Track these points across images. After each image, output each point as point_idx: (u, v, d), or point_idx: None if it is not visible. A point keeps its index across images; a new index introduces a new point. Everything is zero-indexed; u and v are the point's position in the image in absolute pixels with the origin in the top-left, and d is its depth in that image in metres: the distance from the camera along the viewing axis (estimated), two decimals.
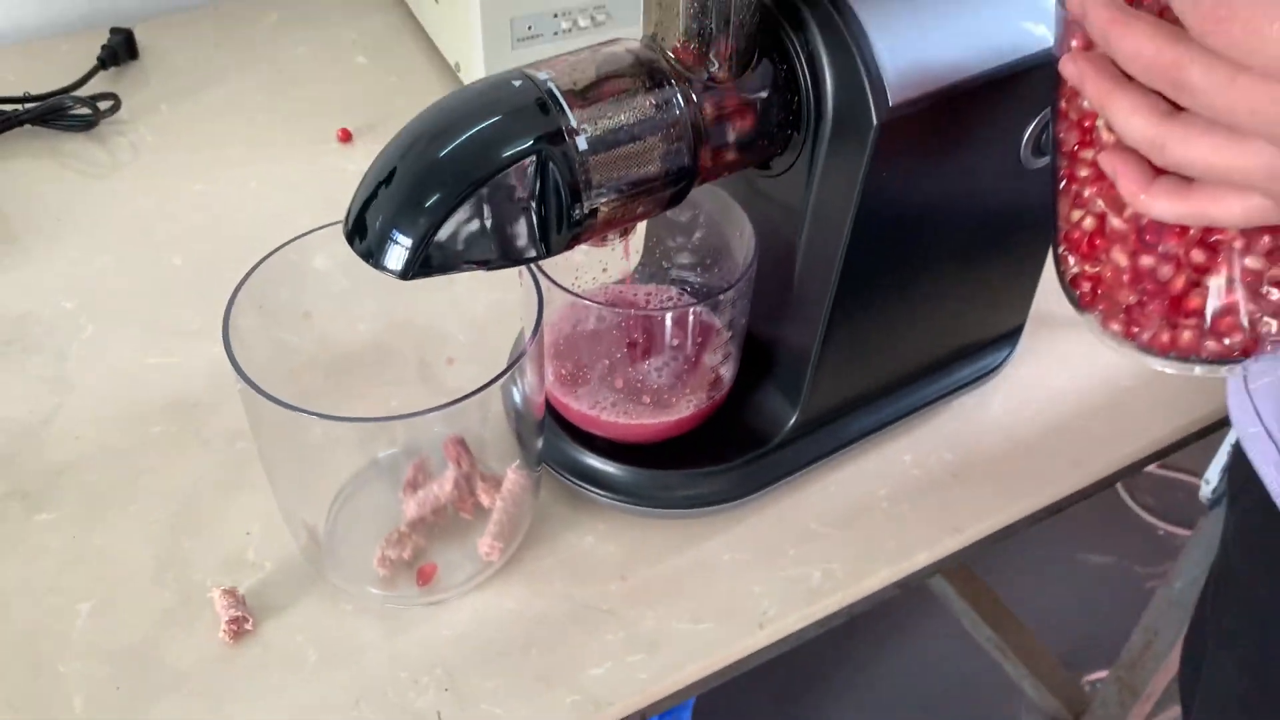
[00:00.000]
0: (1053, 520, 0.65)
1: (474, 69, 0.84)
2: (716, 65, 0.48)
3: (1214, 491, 0.76)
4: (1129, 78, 0.37)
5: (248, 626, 0.55)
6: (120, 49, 0.92)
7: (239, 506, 0.60)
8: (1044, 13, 0.51)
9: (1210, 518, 0.98)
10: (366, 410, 0.65)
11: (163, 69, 0.93)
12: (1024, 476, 0.63)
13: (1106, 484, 0.66)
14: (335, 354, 0.62)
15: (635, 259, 0.66)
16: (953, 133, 0.52)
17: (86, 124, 0.86)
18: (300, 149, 0.85)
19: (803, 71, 0.50)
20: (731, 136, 0.50)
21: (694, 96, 0.48)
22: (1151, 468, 1.69)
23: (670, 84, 0.48)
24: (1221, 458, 0.71)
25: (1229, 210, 0.37)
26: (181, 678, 0.53)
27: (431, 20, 0.93)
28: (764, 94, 0.50)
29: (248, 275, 0.53)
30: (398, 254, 0.45)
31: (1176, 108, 0.36)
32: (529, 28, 0.82)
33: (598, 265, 0.63)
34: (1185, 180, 0.37)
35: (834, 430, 0.61)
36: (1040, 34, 0.51)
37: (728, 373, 0.59)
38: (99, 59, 0.90)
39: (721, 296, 0.55)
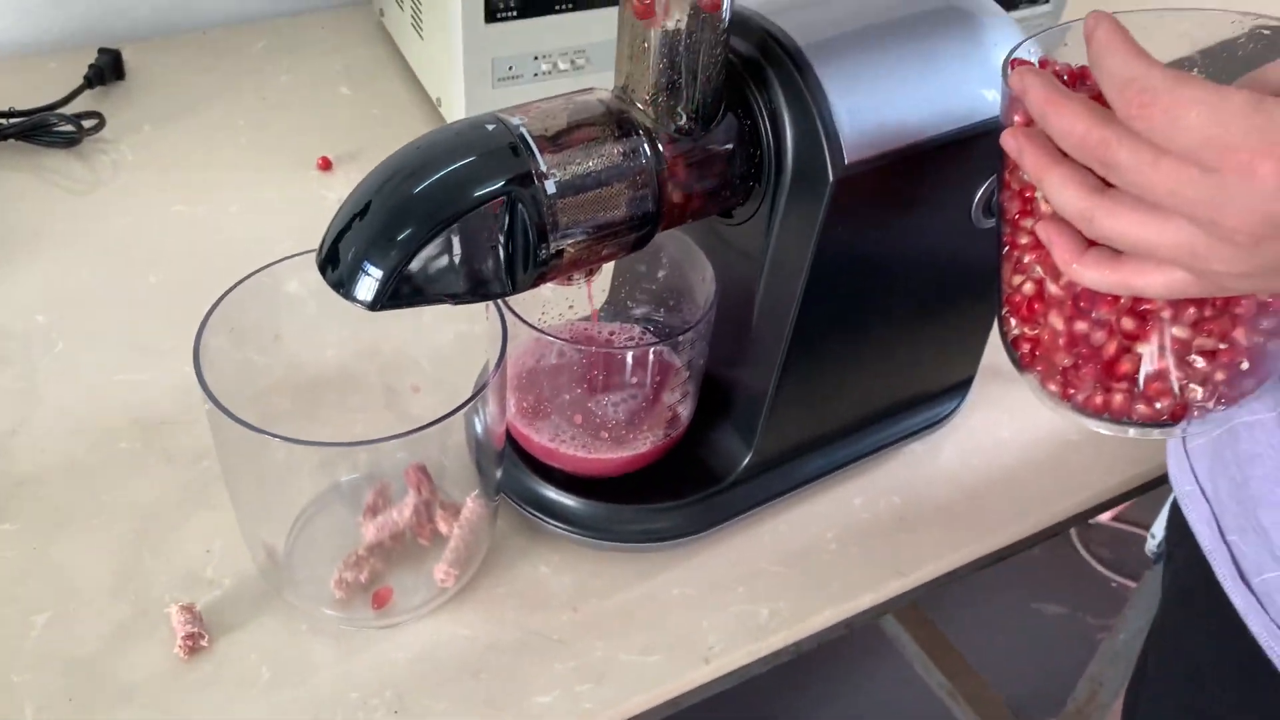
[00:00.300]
0: (1008, 569, 0.67)
1: (455, 105, 0.86)
2: (683, 118, 0.50)
3: (1158, 545, 0.78)
4: (1065, 154, 0.40)
5: (203, 643, 0.56)
6: (107, 69, 0.93)
7: (200, 524, 0.61)
8: (998, 81, 0.54)
9: (1155, 571, 1.00)
10: (331, 435, 0.66)
11: (148, 90, 0.95)
12: (969, 524, 0.65)
13: (1050, 534, 0.68)
14: (303, 377, 0.63)
15: (601, 298, 0.68)
16: (906, 191, 0.54)
17: (70, 141, 0.87)
18: (281, 175, 0.87)
19: (765, 127, 0.52)
20: (695, 186, 0.52)
21: (660, 147, 0.50)
22: (1106, 519, 1.73)
23: (638, 134, 0.50)
24: (1166, 513, 0.73)
25: (1152, 282, 0.39)
26: (134, 691, 0.54)
27: (416, 55, 0.95)
28: (727, 147, 0.52)
29: (221, 298, 0.55)
30: (368, 285, 0.46)
31: (1107, 184, 0.39)
32: (510, 68, 0.84)
33: (564, 301, 0.65)
34: (1114, 252, 0.40)
35: (787, 471, 0.63)
36: (993, 100, 0.54)
37: (685, 411, 0.61)
38: (85, 77, 0.92)
39: (680, 337, 0.57)
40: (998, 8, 0.56)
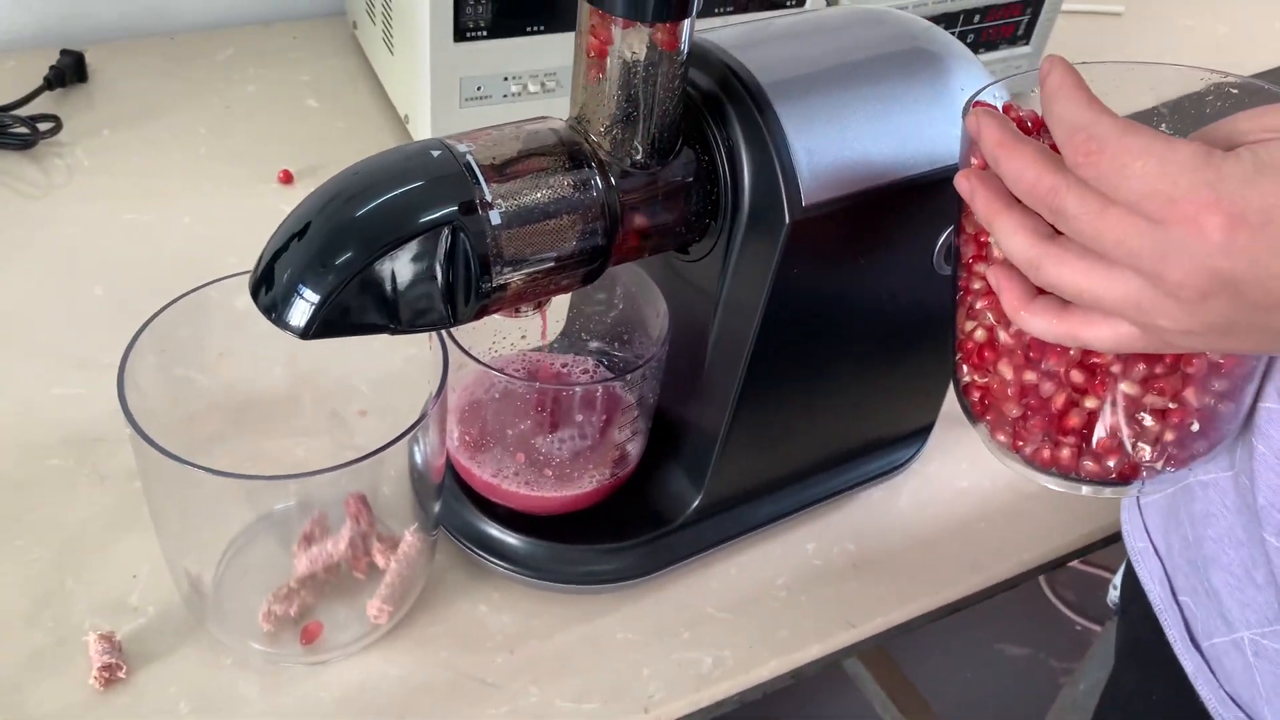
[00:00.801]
0: (973, 609, 0.65)
1: (421, 123, 0.85)
2: (638, 151, 0.49)
3: (1118, 597, 0.77)
4: (1017, 199, 0.38)
5: (120, 674, 0.53)
6: (69, 70, 0.91)
7: (128, 548, 0.59)
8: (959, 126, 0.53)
9: (1115, 622, 0.99)
10: (272, 459, 0.64)
11: (110, 94, 0.93)
12: (922, 575, 0.63)
13: (1006, 587, 0.66)
14: (246, 398, 0.61)
15: (557, 329, 0.66)
16: (866, 235, 0.53)
17: (24, 143, 0.85)
18: (239, 187, 0.85)
19: (723, 164, 0.51)
20: (649, 221, 0.50)
21: (613, 180, 0.49)
22: (1073, 562, 1.72)
23: (590, 166, 0.48)
24: (1125, 564, 0.72)
25: (1099, 334, 0.38)
26: None
27: (386, 70, 0.93)
28: (684, 182, 0.51)
29: (155, 315, 0.53)
30: (301, 309, 0.45)
31: (1058, 232, 0.37)
32: (478, 88, 0.83)
33: (517, 331, 0.63)
34: (1062, 302, 0.39)
35: (737, 515, 0.61)
36: (956, 146, 0.52)
37: (635, 449, 0.59)
38: (45, 79, 0.90)
39: (629, 376, 0.55)
40: (967, 51, 0.55)
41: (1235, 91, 0.43)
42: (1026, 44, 1.03)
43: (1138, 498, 0.59)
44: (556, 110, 0.86)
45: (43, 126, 0.86)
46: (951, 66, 0.54)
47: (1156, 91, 0.46)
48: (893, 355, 0.61)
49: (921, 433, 0.68)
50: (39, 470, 0.63)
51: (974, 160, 0.42)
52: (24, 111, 0.87)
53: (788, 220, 0.49)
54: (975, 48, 1.00)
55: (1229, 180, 0.33)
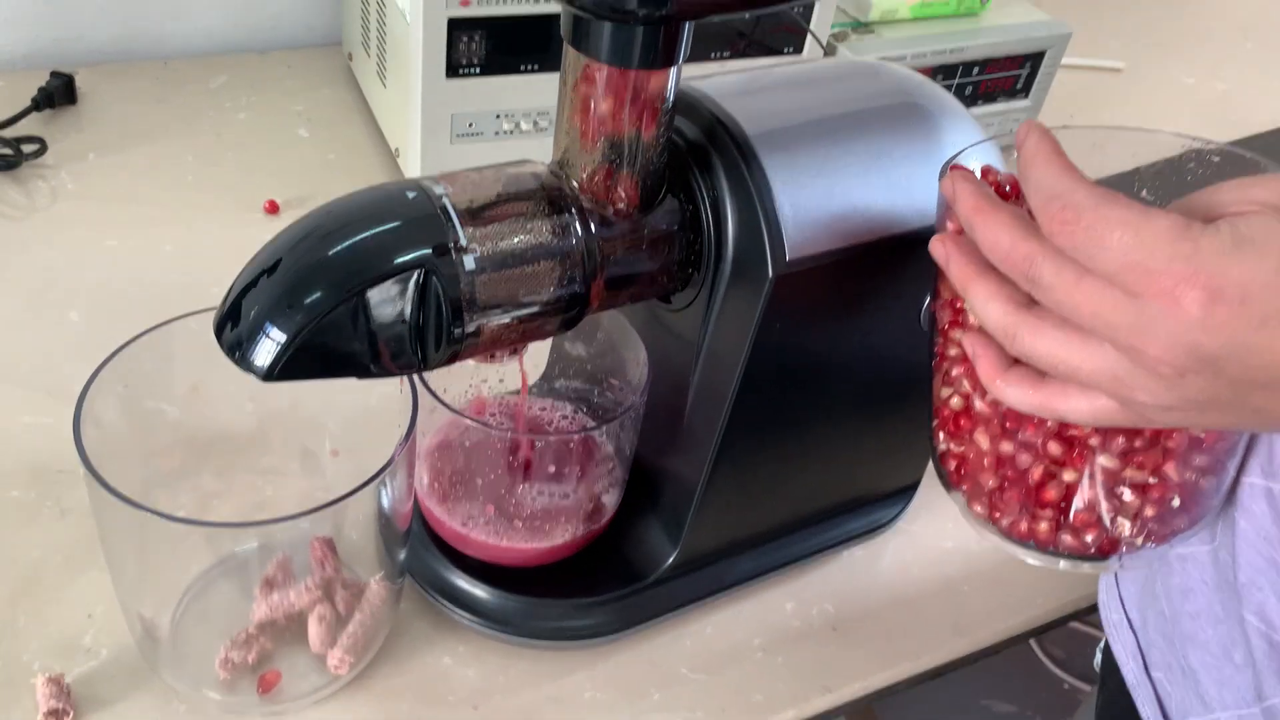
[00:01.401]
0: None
1: (412, 157, 0.84)
2: (621, 199, 0.48)
3: (1100, 665, 0.75)
4: (993, 266, 0.37)
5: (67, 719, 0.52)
6: (58, 93, 0.90)
7: (85, 585, 0.57)
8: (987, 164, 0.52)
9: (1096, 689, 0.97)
10: (239, 498, 0.63)
11: (99, 118, 0.92)
12: (903, 638, 0.62)
13: (988, 653, 0.65)
14: (216, 433, 0.60)
15: (536, 373, 0.65)
16: (851, 291, 0.52)
17: (7, 164, 0.84)
18: (224, 216, 0.84)
19: (706, 214, 0.50)
20: (630, 270, 0.49)
21: (594, 227, 0.47)
22: None
23: (570, 212, 0.47)
24: None
25: (1076, 407, 0.37)
26: None
27: (378, 103, 0.93)
28: (666, 232, 0.49)
29: (119, 349, 0.51)
30: (267, 349, 0.43)
31: (1034, 301, 0.36)
32: (470, 125, 0.82)
33: (496, 374, 0.62)
34: (1039, 372, 0.37)
35: (714, 572, 0.60)
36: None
37: (611, 501, 0.58)
38: (33, 100, 0.89)
39: (605, 427, 0.54)
40: (960, 106, 0.54)
41: (1216, 159, 0.42)
42: (1026, 98, 1.03)
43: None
44: (548, 148, 0.85)
45: (27, 148, 0.85)
46: (943, 122, 0.53)
47: (1136, 157, 0.46)
48: (877, 412, 0.59)
49: (906, 491, 0.66)
50: (0, 501, 0.61)
51: (950, 224, 0.41)
52: (10, 133, 0.86)
53: (771, 274, 0.48)
54: (974, 100, 0.99)
55: (1207, 254, 0.32)
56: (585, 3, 0.40)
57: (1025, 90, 1.02)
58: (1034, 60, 1.00)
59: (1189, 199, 0.38)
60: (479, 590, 0.57)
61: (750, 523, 0.60)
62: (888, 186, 0.50)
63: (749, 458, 0.55)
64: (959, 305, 0.42)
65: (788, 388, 0.54)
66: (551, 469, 0.55)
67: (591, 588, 0.57)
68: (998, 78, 1.00)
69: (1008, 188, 0.42)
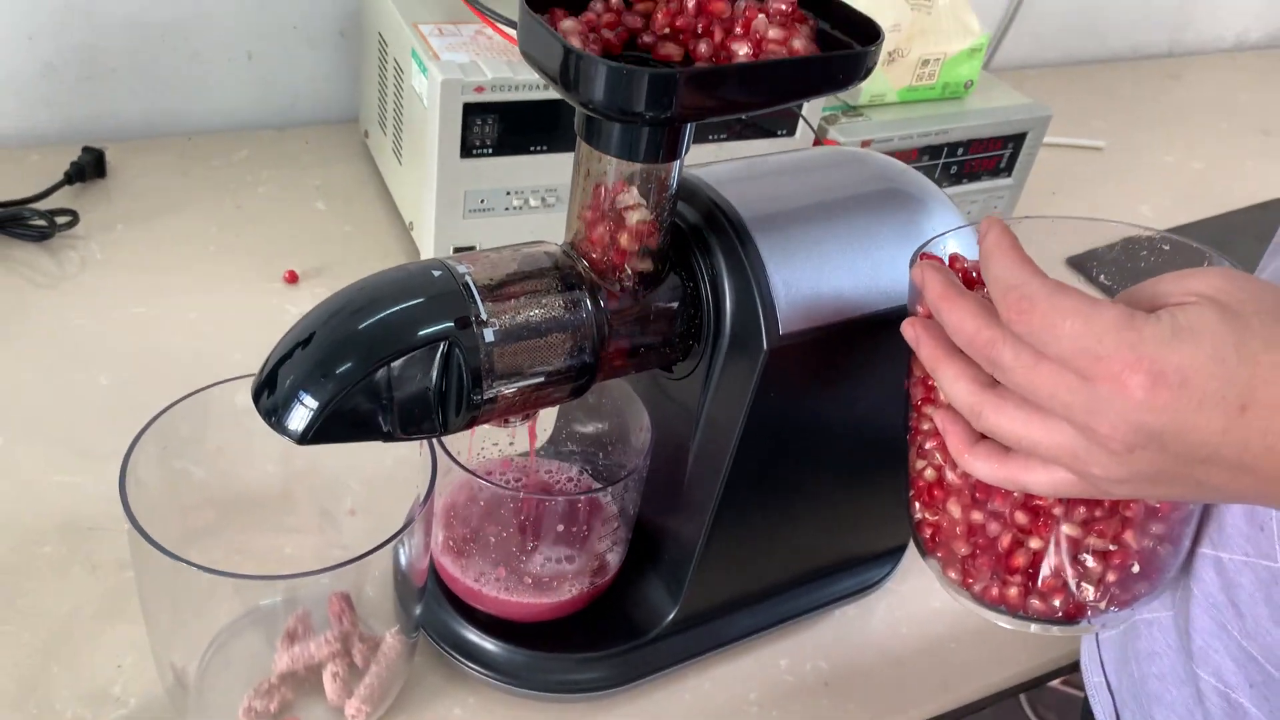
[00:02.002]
0: None
1: (426, 231, 0.88)
2: (628, 277, 0.52)
3: None
4: (959, 348, 0.41)
5: None
6: (89, 167, 0.95)
7: (115, 638, 0.60)
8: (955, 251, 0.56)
9: None
10: (260, 554, 0.66)
11: (127, 190, 0.97)
12: (893, 694, 0.64)
13: (977, 708, 0.67)
14: (238, 493, 0.63)
15: (544, 435, 0.68)
16: (841, 362, 0.55)
17: (42, 235, 0.88)
18: (246, 285, 0.88)
19: (706, 291, 0.54)
20: (635, 342, 0.53)
21: (603, 302, 0.51)
22: (1054, 681, 1.71)
23: (581, 289, 0.51)
24: None
25: (1038, 480, 0.40)
26: None
27: (393, 179, 0.97)
28: (669, 306, 0.54)
29: (160, 414, 0.55)
30: (300, 415, 0.47)
31: (998, 381, 0.40)
32: (482, 201, 0.86)
33: (505, 437, 0.66)
34: (1004, 447, 0.41)
35: (713, 629, 0.63)
36: None
37: (614, 559, 0.61)
38: (66, 174, 0.94)
39: (610, 489, 0.57)
40: (939, 192, 0.59)
41: (1166, 247, 0.46)
42: (1009, 176, 1.08)
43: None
44: (555, 223, 0.89)
45: (60, 220, 0.89)
46: (925, 206, 0.57)
47: (1084, 241, 0.50)
48: (866, 475, 0.63)
49: (895, 551, 0.69)
50: (32, 556, 0.64)
51: (920, 308, 0.45)
52: (44, 205, 0.90)
53: (766, 347, 0.51)
54: (959, 179, 1.04)
55: (1149, 342, 0.36)
56: (597, 106, 0.44)
57: (1008, 169, 1.07)
58: (1016, 141, 1.06)
59: (1134, 290, 0.41)
60: (489, 644, 0.60)
61: (747, 581, 0.63)
62: (872, 267, 0.55)
63: (746, 519, 0.59)
64: (930, 383, 0.46)
65: (782, 452, 0.57)
66: (560, 528, 0.58)
67: (595, 643, 0.60)
68: (982, 157, 1.05)
69: (974, 274, 0.45)
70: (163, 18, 1.01)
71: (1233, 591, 0.46)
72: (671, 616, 0.61)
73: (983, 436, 0.41)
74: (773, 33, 0.47)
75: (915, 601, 0.70)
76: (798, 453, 0.58)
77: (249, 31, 1.05)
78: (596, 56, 0.43)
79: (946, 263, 0.46)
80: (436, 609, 0.61)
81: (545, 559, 0.59)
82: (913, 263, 0.45)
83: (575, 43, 0.44)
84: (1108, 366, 0.36)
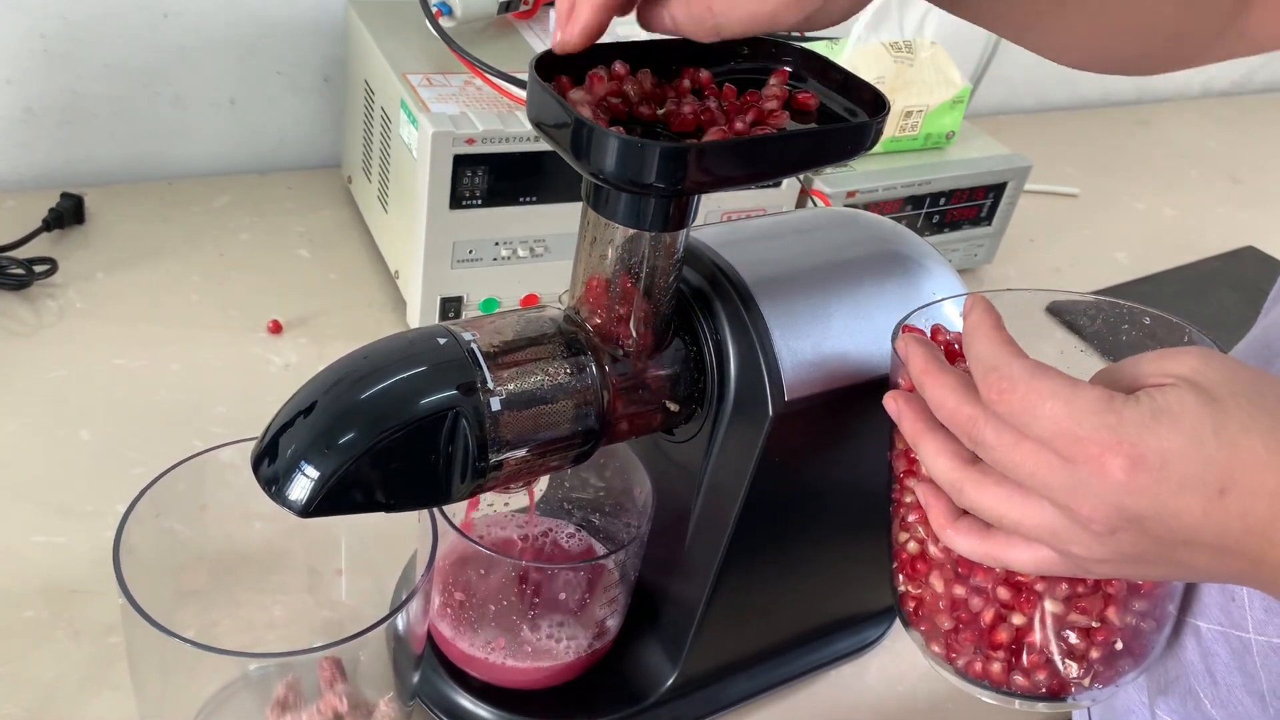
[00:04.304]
0: None
1: (412, 280, 0.88)
2: (631, 341, 0.52)
3: None
4: (941, 423, 0.41)
5: None
6: (67, 213, 0.94)
7: (101, 707, 0.59)
8: (937, 323, 0.56)
9: None
10: (249, 616, 0.65)
11: (106, 237, 0.95)
12: None
13: None
14: (225, 551, 0.61)
15: (540, 493, 0.67)
16: (843, 426, 0.55)
17: (19, 284, 0.87)
18: (229, 334, 0.87)
19: (710, 356, 0.53)
20: (639, 407, 0.53)
21: (607, 368, 0.51)
22: None
23: (586, 354, 0.51)
24: None
25: (1020, 557, 0.40)
26: None
27: (378, 226, 0.97)
28: (672, 371, 0.53)
29: (156, 480, 0.54)
30: (302, 486, 0.46)
31: (978, 457, 0.40)
32: (470, 251, 0.86)
33: (501, 496, 0.65)
34: (986, 523, 0.41)
35: (711, 693, 0.62)
36: None
37: (614, 623, 0.60)
38: (44, 220, 0.92)
39: (612, 557, 0.56)
40: (936, 254, 0.59)
41: (1148, 322, 0.47)
42: (989, 225, 1.09)
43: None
44: (543, 273, 0.89)
45: (38, 268, 0.88)
46: (922, 269, 0.57)
47: (1064, 312, 0.50)
48: (862, 536, 0.62)
49: (891, 611, 0.69)
50: (12, 621, 0.62)
51: (902, 380, 0.45)
52: (21, 253, 0.89)
53: (771, 413, 0.51)
54: (941, 228, 1.05)
55: (1129, 425, 0.36)
56: (608, 177, 0.44)
57: (989, 218, 1.09)
58: (997, 191, 1.07)
59: (1112, 368, 0.41)
60: (483, 712, 0.59)
61: (746, 644, 0.62)
62: (874, 331, 0.55)
63: (747, 582, 0.58)
64: (912, 455, 0.45)
65: (783, 515, 0.57)
66: (560, 596, 0.57)
67: (593, 710, 0.59)
68: (963, 207, 1.06)
69: (956, 345, 0.45)
70: (144, 63, 1.00)
71: (1210, 660, 0.47)
72: (671, 681, 0.60)
73: (965, 512, 0.41)
74: (771, 104, 0.48)
75: (910, 660, 0.70)
76: (799, 515, 0.58)
77: (232, 77, 1.05)
78: (608, 130, 0.43)
79: (929, 333, 0.46)
80: (430, 674, 0.60)
81: (544, 625, 0.58)
82: (895, 334, 0.45)
83: (585, 113, 0.44)
84: (1087, 448, 0.36)
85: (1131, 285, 1.16)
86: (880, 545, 0.64)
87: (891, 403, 0.44)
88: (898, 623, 0.69)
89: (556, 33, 0.44)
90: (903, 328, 0.46)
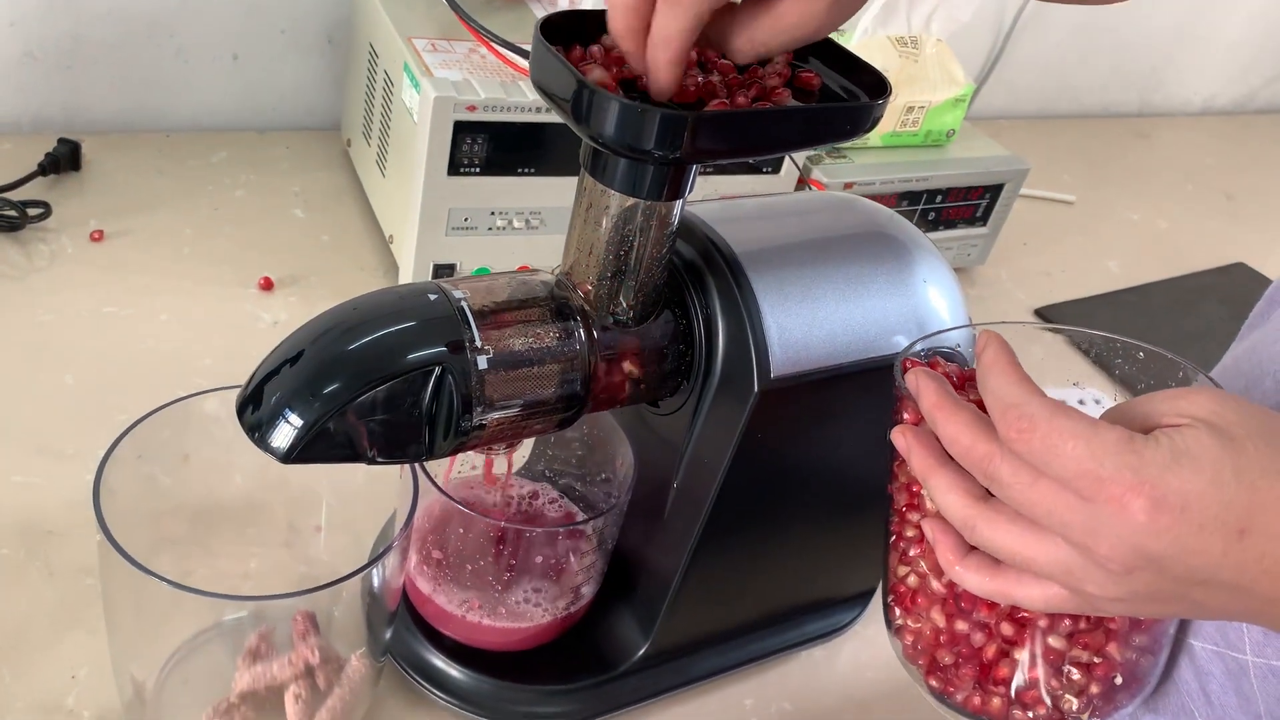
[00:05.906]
0: None
1: (406, 246, 0.87)
2: (622, 310, 0.52)
3: None
4: (952, 458, 0.41)
5: None
6: (64, 159, 0.93)
7: (70, 646, 0.59)
8: (919, 316, 0.56)
9: None
10: (225, 567, 0.65)
11: (101, 185, 0.95)
12: None
13: None
14: (206, 503, 0.62)
15: (521, 460, 0.68)
16: (829, 408, 0.56)
17: (11, 225, 0.86)
18: (219, 289, 0.87)
19: (699, 329, 0.54)
20: (625, 376, 0.53)
21: (596, 334, 0.51)
22: None
23: (575, 319, 0.51)
24: None
25: (1030, 594, 0.40)
26: None
27: (375, 190, 0.97)
28: (661, 342, 0.53)
29: (138, 422, 0.54)
30: (285, 433, 0.46)
31: (990, 493, 0.40)
32: (465, 219, 0.86)
33: (483, 455, 0.65)
34: (996, 560, 0.41)
35: (681, 666, 0.62)
36: (913, 336, 0.56)
37: (589, 590, 0.61)
38: (40, 165, 0.92)
39: (590, 524, 0.57)
40: (924, 238, 0.59)
41: (1142, 356, 0.47)
42: (984, 225, 1.09)
43: None
44: (538, 246, 0.89)
45: (32, 211, 0.87)
46: (913, 256, 0.58)
47: (1070, 345, 0.50)
48: (840, 519, 0.63)
49: (864, 596, 0.70)
50: None
51: (906, 415, 0.44)
52: (16, 195, 0.88)
53: (756, 389, 0.52)
54: (936, 226, 1.05)
55: (1150, 466, 0.36)
56: (606, 141, 0.44)
57: (984, 218, 1.09)
58: (994, 191, 1.07)
59: (1123, 406, 0.41)
60: (455, 671, 0.59)
61: (718, 619, 0.63)
62: (863, 314, 0.55)
63: (723, 557, 0.59)
64: (915, 489, 0.45)
65: (763, 493, 0.57)
66: (537, 559, 0.57)
67: (563, 675, 0.60)
68: (959, 205, 1.06)
69: (955, 378, 0.45)
70: (149, 11, 1.00)
71: (1204, 679, 0.47)
72: (642, 652, 0.60)
73: (973, 548, 0.41)
74: (773, 81, 0.48)
75: (880, 646, 0.70)
76: (779, 494, 0.58)
77: (236, 33, 1.04)
78: (610, 93, 0.43)
79: (920, 352, 0.46)
80: (403, 633, 0.60)
81: (520, 587, 0.58)
82: (895, 369, 0.45)
83: (597, 75, 0.44)
84: (1108, 489, 0.36)
85: (1121, 294, 1.17)
86: (858, 529, 0.64)
87: (900, 438, 0.43)
88: (871, 608, 0.70)
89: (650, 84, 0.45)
90: (904, 361, 0.46)
